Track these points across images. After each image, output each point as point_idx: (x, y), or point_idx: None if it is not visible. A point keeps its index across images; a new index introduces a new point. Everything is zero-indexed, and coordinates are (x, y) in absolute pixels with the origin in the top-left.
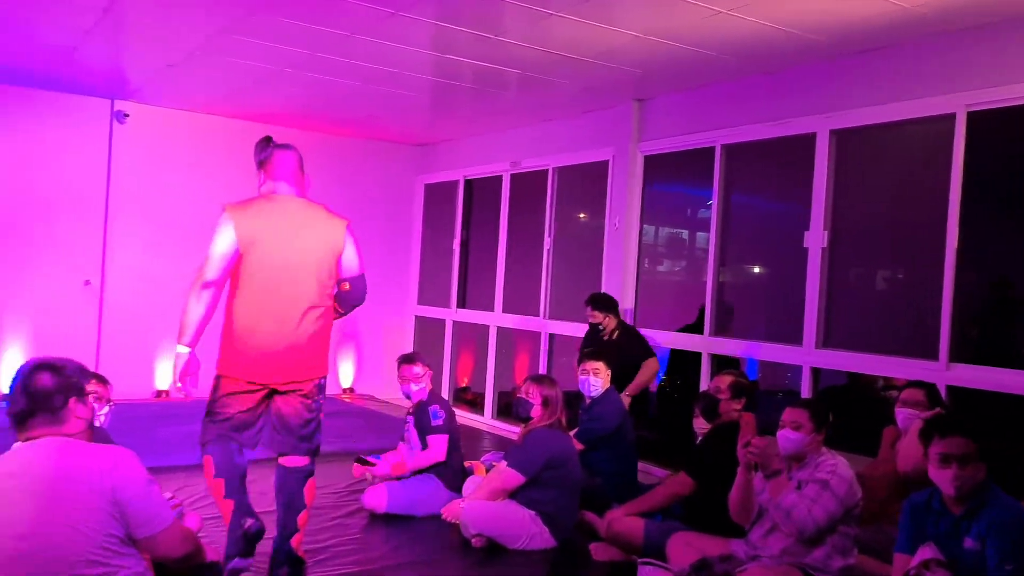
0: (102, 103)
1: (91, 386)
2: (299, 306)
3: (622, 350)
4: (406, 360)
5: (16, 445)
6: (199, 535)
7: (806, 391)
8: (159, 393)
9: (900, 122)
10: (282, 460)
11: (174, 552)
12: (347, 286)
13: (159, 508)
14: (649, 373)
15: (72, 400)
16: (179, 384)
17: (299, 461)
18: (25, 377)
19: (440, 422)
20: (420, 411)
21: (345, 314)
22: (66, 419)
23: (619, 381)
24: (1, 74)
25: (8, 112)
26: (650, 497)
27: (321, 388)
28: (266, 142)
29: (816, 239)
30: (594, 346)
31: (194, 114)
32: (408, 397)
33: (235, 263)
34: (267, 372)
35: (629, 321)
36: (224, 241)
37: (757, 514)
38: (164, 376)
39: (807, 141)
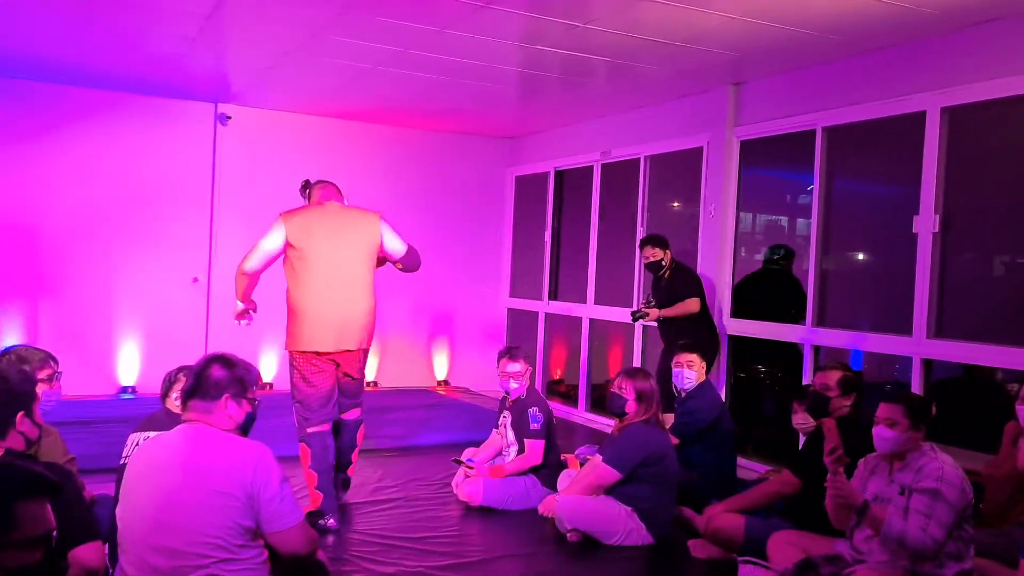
0: (206, 107)
1: None
2: (352, 287)
3: (669, 287)
4: (506, 355)
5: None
6: None
7: (917, 384)
8: (263, 386)
9: (1021, 96)
10: (343, 416)
11: (301, 549)
12: (400, 265)
13: (290, 506)
14: (683, 308)
15: (226, 396)
16: (237, 321)
17: (355, 414)
18: (204, 361)
19: (538, 426)
20: (519, 412)
21: (405, 271)
22: (215, 411)
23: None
24: (113, 82)
25: (120, 118)
26: (752, 494)
27: (365, 358)
28: (307, 184)
29: (926, 224)
30: (655, 289)
31: (292, 114)
32: (507, 393)
33: (275, 260)
34: (331, 341)
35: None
36: (273, 240)
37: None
38: (268, 369)
39: (916, 120)
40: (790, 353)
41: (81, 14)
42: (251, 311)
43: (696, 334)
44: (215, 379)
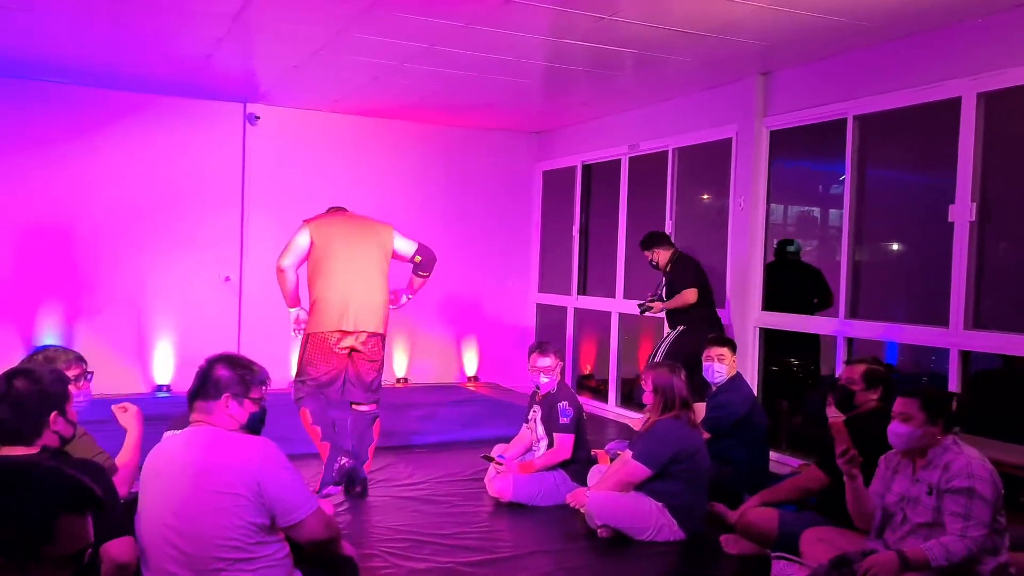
0: (235, 107)
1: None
2: (367, 279)
3: (671, 280)
4: (536, 350)
5: (180, 430)
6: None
7: (954, 375)
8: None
9: None
10: (355, 408)
11: (320, 536)
12: (418, 258)
13: (302, 497)
14: (680, 300)
15: (226, 396)
16: (295, 331)
17: (370, 408)
18: (208, 362)
19: (568, 420)
20: (548, 406)
21: (428, 275)
22: (214, 411)
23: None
24: (144, 85)
25: (151, 120)
26: (779, 489)
27: (383, 345)
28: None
29: (963, 212)
30: (662, 284)
31: (320, 113)
32: (537, 388)
33: (306, 257)
34: (350, 322)
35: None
36: (302, 240)
37: (886, 516)
38: None
39: (951, 107)
40: (809, 345)
41: (111, 18)
42: (305, 320)
43: (689, 320)
44: (215, 379)
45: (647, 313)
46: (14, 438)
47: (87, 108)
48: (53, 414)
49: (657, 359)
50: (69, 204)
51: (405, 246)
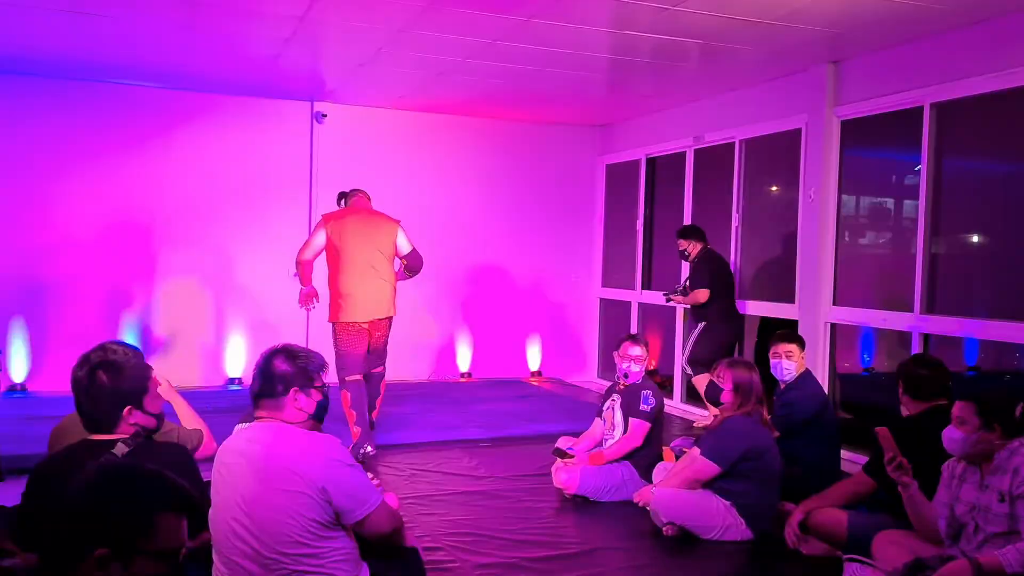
0: (303, 105)
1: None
2: (377, 273)
3: (691, 275)
4: (630, 339)
5: (249, 424)
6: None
7: None
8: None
9: None
10: (372, 371)
11: (384, 529)
12: (405, 261)
13: (365, 493)
14: (691, 299)
15: (294, 390)
16: (302, 305)
17: (380, 369)
18: (265, 357)
19: (648, 408)
20: (631, 393)
21: (411, 276)
22: (284, 407)
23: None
24: (214, 85)
25: (222, 119)
26: (830, 494)
27: (391, 324)
28: (342, 194)
29: None
30: (688, 277)
31: (384, 110)
32: (625, 376)
33: (322, 251)
34: (364, 312)
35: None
36: (319, 239)
37: (957, 526)
38: None
39: None
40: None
41: (186, 23)
42: (315, 299)
43: (708, 316)
44: (280, 374)
45: (669, 303)
46: (95, 427)
47: (161, 109)
48: (127, 409)
49: (686, 356)
50: (145, 201)
51: (403, 245)
